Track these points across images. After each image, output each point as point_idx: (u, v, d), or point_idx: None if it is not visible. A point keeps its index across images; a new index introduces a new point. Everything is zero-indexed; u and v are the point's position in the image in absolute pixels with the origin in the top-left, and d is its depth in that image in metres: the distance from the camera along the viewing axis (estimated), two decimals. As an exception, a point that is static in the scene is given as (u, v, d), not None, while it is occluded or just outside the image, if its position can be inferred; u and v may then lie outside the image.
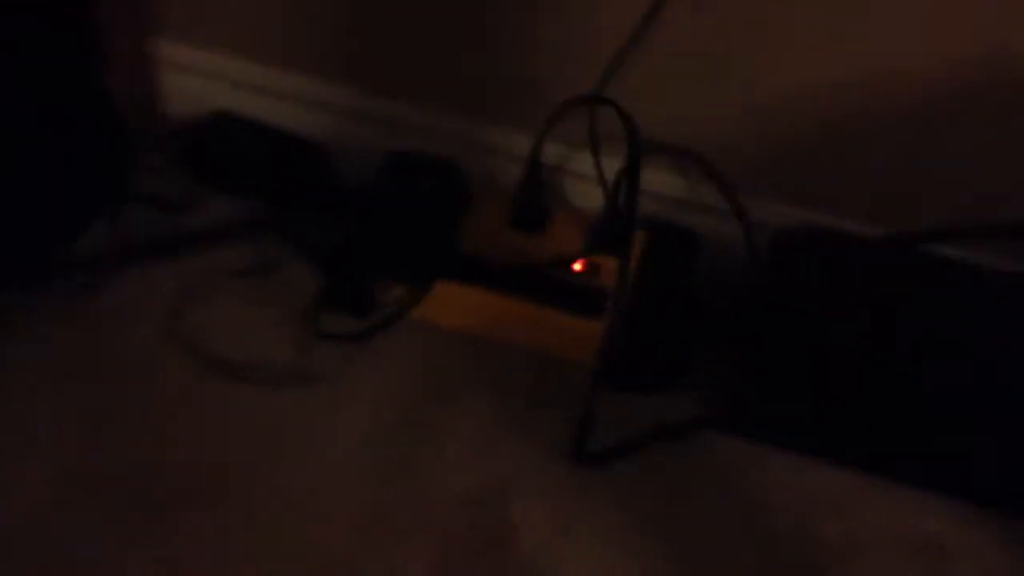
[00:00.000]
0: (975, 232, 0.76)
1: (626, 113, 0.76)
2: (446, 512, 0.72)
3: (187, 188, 0.92)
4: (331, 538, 0.69)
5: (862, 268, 0.79)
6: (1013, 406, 0.73)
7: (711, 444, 0.79)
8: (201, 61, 0.94)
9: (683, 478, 0.76)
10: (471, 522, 0.71)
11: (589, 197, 0.88)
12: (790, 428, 0.79)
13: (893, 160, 0.81)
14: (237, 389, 0.78)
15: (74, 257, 0.85)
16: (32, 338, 0.79)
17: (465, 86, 0.88)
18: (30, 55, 0.79)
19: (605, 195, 0.84)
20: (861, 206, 0.84)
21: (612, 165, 0.83)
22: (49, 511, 0.68)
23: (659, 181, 0.87)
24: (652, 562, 0.70)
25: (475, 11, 0.83)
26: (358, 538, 0.69)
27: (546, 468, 0.75)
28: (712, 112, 0.82)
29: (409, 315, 0.83)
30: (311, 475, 0.73)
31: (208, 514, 0.69)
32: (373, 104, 0.91)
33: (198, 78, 0.95)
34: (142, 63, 0.93)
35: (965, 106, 0.76)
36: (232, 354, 0.80)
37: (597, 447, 0.76)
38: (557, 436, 0.77)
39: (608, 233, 0.83)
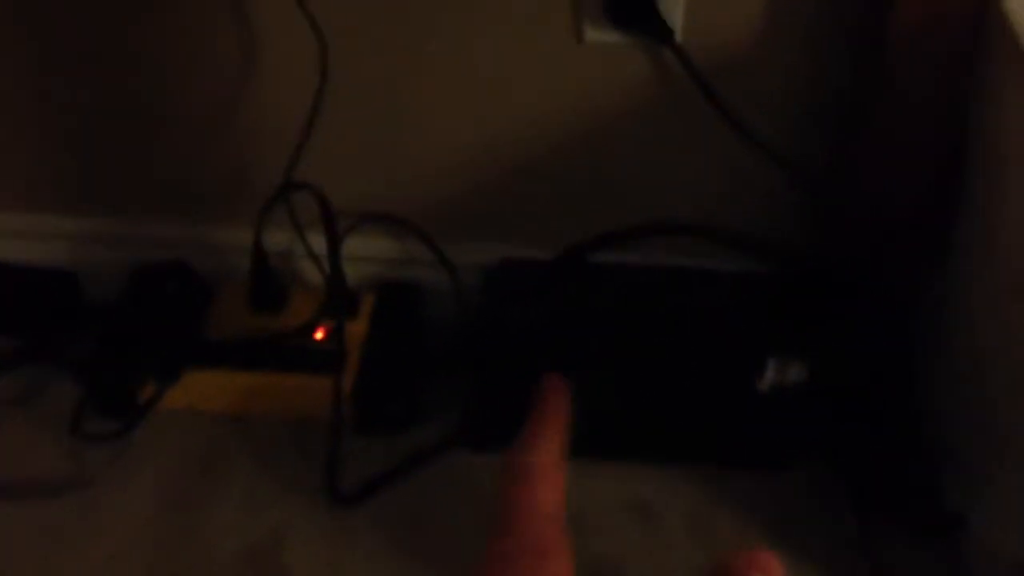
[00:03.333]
0: (622, 236, 0.92)
1: (318, 192, 0.88)
2: (227, 568, 0.81)
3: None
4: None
5: (549, 287, 0.94)
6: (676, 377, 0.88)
7: (451, 465, 0.90)
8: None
9: (432, 499, 0.87)
10: (250, 573, 0.80)
11: (319, 272, 0.99)
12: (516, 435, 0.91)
13: (561, 188, 0.95)
14: (16, 507, 0.84)
15: None
16: None
17: (184, 195, 0.99)
18: None
19: (320, 270, 0.95)
20: (549, 233, 0.98)
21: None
22: None
23: (376, 246, 1.00)
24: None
25: (174, 131, 0.95)
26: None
27: (311, 516, 0.85)
28: (402, 175, 0.95)
29: (168, 405, 0.91)
30: (98, 563, 0.80)
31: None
32: (107, 227, 1.01)
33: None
34: None
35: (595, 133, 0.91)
36: (5, 475, 0.86)
37: (354, 489, 0.87)
38: (317, 487, 0.87)
39: (333, 302, 0.94)
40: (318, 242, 0.96)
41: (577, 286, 0.94)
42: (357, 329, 0.95)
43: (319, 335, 0.94)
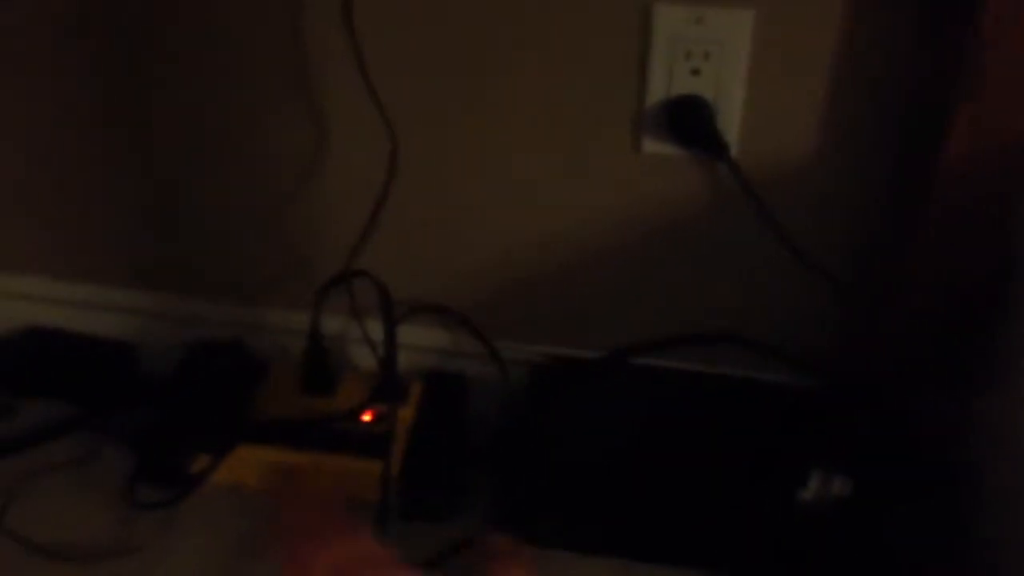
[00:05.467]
0: (667, 343, 0.95)
1: (378, 281, 0.91)
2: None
3: (3, 400, 1.01)
4: None
5: (593, 387, 0.96)
6: (724, 484, 0.89)
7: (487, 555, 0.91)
8: (3, 284, 1.06)
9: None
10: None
11: (371, 358, 1.02)
12: (558, 530, 0.92)
13: (611, 292, 0.98)
14: (59, 568, 0.86)
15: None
16: None
17: (246, 278, 1.03)
18: None
19: (374, 355, 0.98)
20: (595, 334, 1.00)
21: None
22: None
23: (427, 335, 1.02)
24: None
25: (241, 217, 0.99)
26: None
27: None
28: (459, 270, 0.99)
29: (217, 480, 0.93)
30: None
31: None
32: (168, 303, 1.05)
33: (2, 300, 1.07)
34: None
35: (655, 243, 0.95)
36: (55, 537, 0.88)
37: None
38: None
39: (385, 386, 0.96)
40: (371, 328, 0.99)
41: (620, 388, 0.97)
42: (405, 415, 0.97)
43: (367, 418, 0.96)
